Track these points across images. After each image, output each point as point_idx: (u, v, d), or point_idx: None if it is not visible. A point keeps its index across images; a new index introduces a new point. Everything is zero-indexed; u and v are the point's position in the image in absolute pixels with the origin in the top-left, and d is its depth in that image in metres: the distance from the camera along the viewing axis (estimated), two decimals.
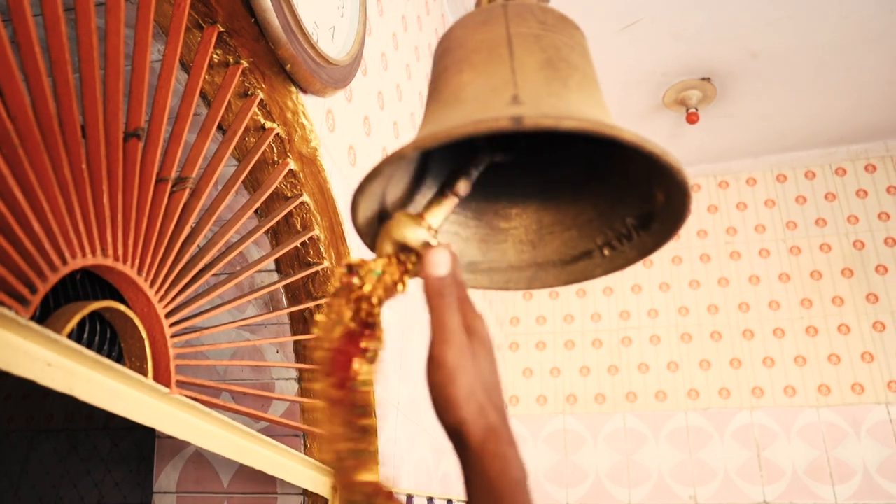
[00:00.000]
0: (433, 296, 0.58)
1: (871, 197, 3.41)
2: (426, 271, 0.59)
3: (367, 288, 0.62)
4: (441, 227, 0.75)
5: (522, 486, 0.54)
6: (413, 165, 0.71)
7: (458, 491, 2.43)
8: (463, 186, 0.69)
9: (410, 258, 0.63)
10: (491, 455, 0.54)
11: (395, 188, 0.69)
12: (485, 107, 0.59)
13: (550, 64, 0.63)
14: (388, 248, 0.63)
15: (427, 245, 0.62)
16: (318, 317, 0.62)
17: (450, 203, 0.68)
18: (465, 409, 0.55)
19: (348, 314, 0.61)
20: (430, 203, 0.67)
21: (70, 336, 1.02)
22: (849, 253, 3.34)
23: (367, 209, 0.66)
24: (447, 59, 0.68)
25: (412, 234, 0.63)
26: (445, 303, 0.58)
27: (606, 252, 0.72)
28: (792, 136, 3.48)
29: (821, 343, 3.21)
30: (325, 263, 1.61)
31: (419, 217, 0.65)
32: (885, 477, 2.89)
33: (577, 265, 0.74)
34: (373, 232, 0.69)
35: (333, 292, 0.63)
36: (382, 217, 0.69)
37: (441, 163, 0.75)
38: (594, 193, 0.74)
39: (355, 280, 0.62)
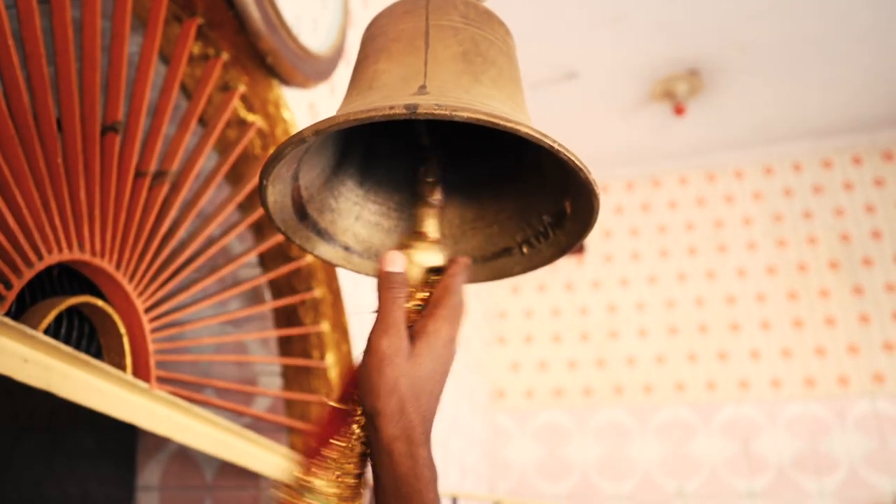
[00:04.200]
0: (382, 288, 0.61)
1: (857, 190, 3.42)
2: (381, 267, 0.62)
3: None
4: (364, 218, 0.77)
5: (431, 486, 0.56)
6: (329, 150, 0.72)
7: (439, 486, 2.43)
8: (438, 193, 0.71)
9: (437, 279, 0.66)
10: (400, 454, 0.56)
11: (308, 170, 0.70)
12: (391, 95, 0.60)
13: (465, 57, 0.64)
14: (417, 274, 0.66)
15: (453, 261, 0.66)
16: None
17: (434, 210, 0.70)
18: (383, 400, 0.56)
19: None
20: (419, 217, 0.69)
21: (47, 332, 1.01)
22: (835, 246, 3.35)
23: (277, 192, 0.66)
24: (369, 46, 0.69)
25: (433, 254, 0.66)
26: (392, 296, 0.60)
27: (525, 250, 0.73)
28: (779, 128, 3.49)
29: (807, 336, 3.23)
30: (309, 258, 1.60)
31: (423, 234, 0.68)
32: (871, 469, 2.90)
33: (496, 262, 0.75)
34: (284, 217, 0.69)
35: None
36: (298, 200, 0.70)
37: (364, 150, 0.76)
38: (515, 191, 0.75)
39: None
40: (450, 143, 0.76)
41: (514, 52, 0.70)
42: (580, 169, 0.58)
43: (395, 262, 0.62)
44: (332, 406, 0.62)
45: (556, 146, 0.56)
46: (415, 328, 0.61)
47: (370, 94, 0.63)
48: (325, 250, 0.74)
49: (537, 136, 0.55)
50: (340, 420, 0.61)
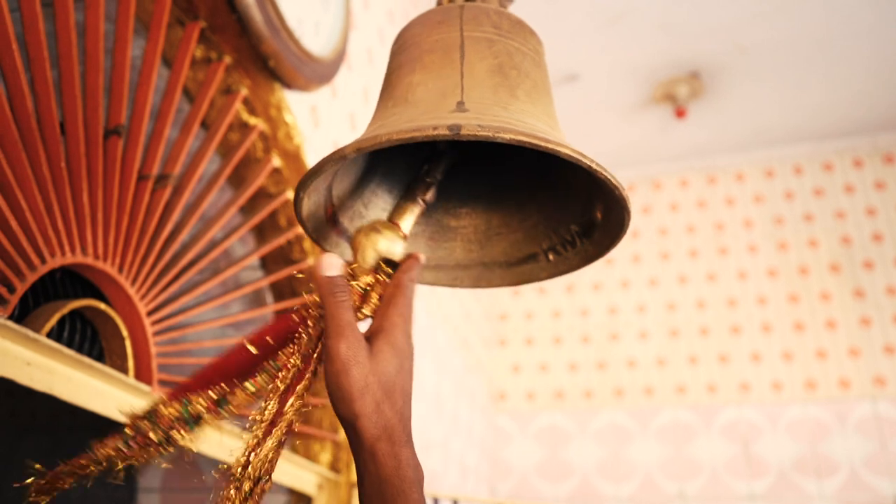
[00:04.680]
0: (325, 294, 0.60)
1: (858, 192, 3.42)
2: (319, 272, 0.61)
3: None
4: None
5: (416, 487, 0.56)
6: (360, 160, 0.72)
7: (440, 487, 2.43)
8: (431, 194, 0.70)
9: (388, 270, 0.65)
10: (384, 455, 0.56)
11: (341, 183, 0.70)
12: (430, 111, 0.60)
13: (501, 70, 0.64)
14: (371, 259, 0.65)
15: (410, 256, 0.65)
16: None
17: (419, 209, 0.69)
18: (358, 402, 0.56)
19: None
20: (400, 209, 0.69)
21: (49, 335, 1.01)
22: (836, 249, 3.35)
23: (311, 204, 0.67)
24: (402, 56, 0.69)
25: (397, 247, 0.65)
26: (337, 300, 0.60)
27: (551, 256, 0.74)
28: (780, 131, 3.48)
29: (808, 338, 3.23)
30: (311, 261, 1.61)
31: (395, 226, 0.67)
32: (871, 472, 2.90)
33: (522, 267, 0.76)
34: (316, 226, 0.69)
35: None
36: (330, 210, 0.70)
37: (391, 158, 0.76)
38: (541, 199, 0.75)
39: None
40: (475, 147, 0.76)
41: (545, 62, 0.71)
42: (615, 187, 0.59)
43: (332, 266, 0.61)
44: (244, 347, 0.62)
45: (594, 166, 0.57)
46: (370, 328, 0.61)
47: (407, 109, 0.63)
48: None
49: (577, 157, 0.56)
50: (245, 363, 0.61)
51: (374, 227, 0.65)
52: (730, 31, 2.86)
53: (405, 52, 0.69)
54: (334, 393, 0.57)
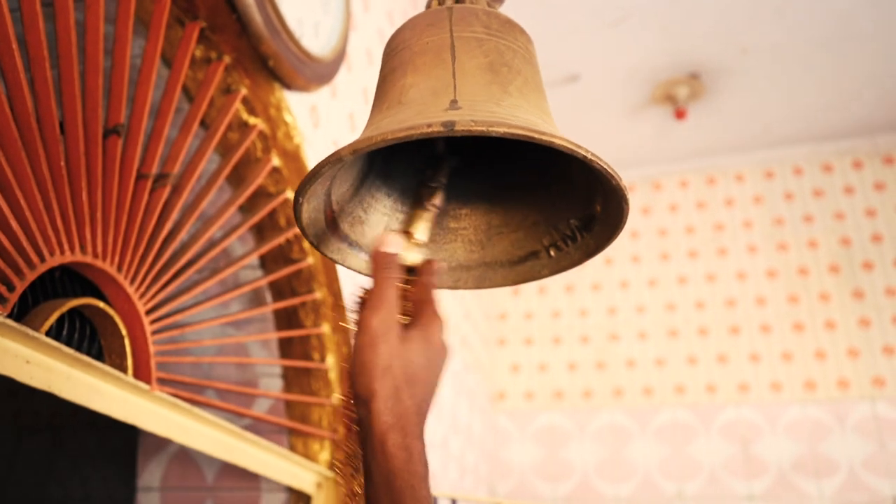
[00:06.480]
0: (377, 269, 0.61)
1: (857, 193, 3.42)
2: (377, 248, 0.62)
3: None
4: (393, 227, 0.78)
5: (425, 483, 0.55)
6: (357, 165, 0.73)
7: (439, 487, 2.43)
8: (439, 199, 0.71)
9: (408, 279, 0.66)
10: (394, 446, 0.54)
11: (339, 187, 0.71)
12: (424, 110, 0.61)
13: (492, 68, 0.65)
14: None
15: (428, 262, 0.66)
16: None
17: (430, 215, 0.70)
18: (379, 381, 0.56)
19: None
20: (413, 218, 0.70)
21: (49, 333, 1.02)
22: (836, 249, 3.35)
23: (311, 209, 0.67)
24: (394, 60, 0.70)
25: (413, 256, 0.67)
26: (384, 275, 0.61)
27: (552, 253, 0.74)
28: (780, 132, 3.49)
29: (807, 339, 3.23)
30: (310, 260, 1.61)
31: (409, 235, 0.68)
32: (870, 472, 2.91)
33: (524, 265, 0.76)
34: (317, 231, 0.70)
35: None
36: (330, 215, 0.70)
37: (389, 162, 0.77)
38: (540, 196, 0.75)
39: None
40: (471, 148, 0.76)
41: (535, 59, 0.71)
42: (612, 176, 0.59)
43: (392, 244, 0.63)
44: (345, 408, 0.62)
45: (589, 156, 0.57)
46: (409, 323, 0.61)
47: (401, 110, 0.63)
48: (356, 262, 0.75)
49: (572, 147, 0.56)
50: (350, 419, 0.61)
51: (391, 240, 0.66)
52: (729, 33, 2.87)
53: (396, 56, 0.69)
54: (357, 366, 0.57)
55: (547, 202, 0.75)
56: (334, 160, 0.59)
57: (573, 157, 0.57)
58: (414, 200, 0.72)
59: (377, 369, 0.56)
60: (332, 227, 0.72)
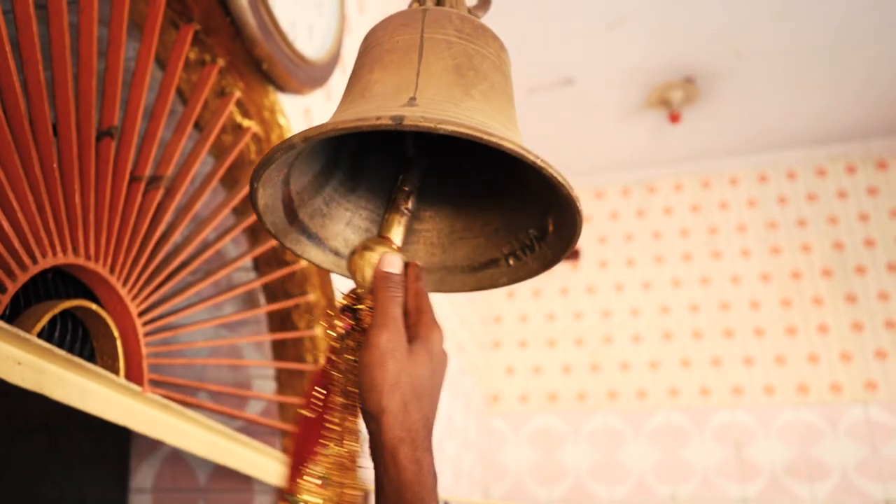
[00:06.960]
0: (380, 288, 0.63)
1: (851, 198, 3.43)
2: (379, 268, 0.64)
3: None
4: (355, 223, 0.78)
5: (433, 493, 0.56)
6: (320, 156, 0.73)
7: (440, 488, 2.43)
8: (412, 202, 0.72)
9: None
10: (406, 458, 0.55)
11: (299, 175, 0.71)
12: (382, 105, 0.61)
13: (458, 70, 0.65)
14: (370, 277, 0.66)
15: (411, 265, 0.66)
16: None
17: (405, 219, 0.71)
18: (387, 397, 0.57)
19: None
20: (387, 222, 0.70)
21: (41, 335, 1.02)
22: (829, 254, 3.36)
23: (267, 196, 0.67)
24: (365, 56, 0.71)
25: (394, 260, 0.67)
26: (389, 294, 0.62)
27: (511, 262, 0.74)
28: (774, 136, 3.50)
29: (800, 343, 3.24)
30: (304, 263, 1.61)
31: (386, 240, 0.68)
32: (862, 476, 2.91)
33: (483, 272, 0.76)
34: (274, 220, 0.70)
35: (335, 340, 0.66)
36: (289, 203, 0.70)
37: (355, 158, 0.77)
38: (504, 204, 0.76)
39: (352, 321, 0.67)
40: (442, 155, 0.77)
41: (507, 68, 0.71)
42: (562, 185, 0.59)
43: (393, 264, 0.64)
44: (303, 416, 0.63)
45: (539, 162, 0.56)
46: (408, 334, 0.61)
47: (362, 103, 0.64)
48: (315, 254, 0.75)
49: (520, 151, 0.56)
50: (314, 428, 0.62)
51: (365, 246, 0.67)
52: (724, 37, 2.88)
53: (368, 53, 0.70)
54: (366, 383, 0.58)
55: (509, 210, 0.75)
56: (286, 147, 0.59)
57: (529, 166, 0.57)
58: (388, 204, 0.73)
59: (386, 385, 0.57)
60: (290, 216, 0.72)
